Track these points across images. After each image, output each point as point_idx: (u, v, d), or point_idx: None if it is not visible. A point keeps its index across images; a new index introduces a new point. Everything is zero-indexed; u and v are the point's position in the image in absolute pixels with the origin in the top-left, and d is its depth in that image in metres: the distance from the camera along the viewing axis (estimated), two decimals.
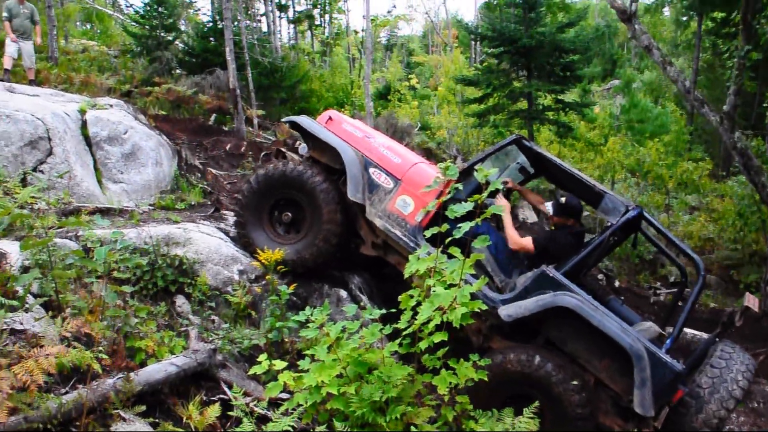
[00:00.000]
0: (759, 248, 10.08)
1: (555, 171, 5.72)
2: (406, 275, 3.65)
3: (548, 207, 5.42)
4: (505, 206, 5.42)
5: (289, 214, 6.04)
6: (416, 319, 3.42)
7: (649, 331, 4.93)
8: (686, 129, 18.33)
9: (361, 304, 5.95)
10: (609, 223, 5.07)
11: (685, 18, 26.41)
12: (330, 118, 6.18)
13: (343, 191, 5.82)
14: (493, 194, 5.73)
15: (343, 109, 18.86)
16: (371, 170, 5.68)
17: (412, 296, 3.63)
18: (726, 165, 16.20)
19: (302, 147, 6.52)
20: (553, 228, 5.55)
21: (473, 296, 4.80)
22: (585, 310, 4.58)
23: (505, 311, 4.78)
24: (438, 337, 3.41)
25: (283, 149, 6.90)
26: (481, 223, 5.57)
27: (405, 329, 3.55)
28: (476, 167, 5.17)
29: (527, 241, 5.26)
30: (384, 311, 3.82)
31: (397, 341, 3.63)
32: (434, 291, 3.44)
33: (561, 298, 4.66)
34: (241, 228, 6.17)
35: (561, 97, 14.55)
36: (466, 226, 3.46)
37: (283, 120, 6.46)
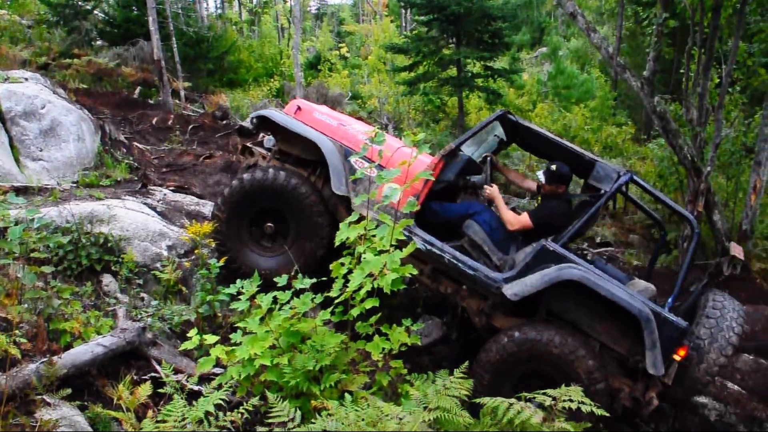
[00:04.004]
0: None
1: (542, 143, 5.64)
2: (337, 243, 3.65)
3: (539, 176, 5.37)
4: (495, 190, 5.38)
5: (272, 225, 5.66)
6: (348, 287, 3.44)
7: (647, 291, 5.00)
8: (610, 95, 18.86)
9: (292, 273, 5.89)
10: (603, 191, 5.06)
11: None
12: (299, 108, 5.79)
13: (318, 184, 5.60)
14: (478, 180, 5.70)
15: (272, 80, 18.52)
16: (353, 160, 5.35)
17: (343, 264, 3.64)
18: (647, 129, 16.80)
19: (268, 140, 6.17)
20: (540, 198, 5.52)
21: (469, 277, 4.96)
22: (591, 281, 4.61)
23: (511, 290, 4.74)
24: (369, 304, 3.43)
25: (249, 144, 6.33)
26: (470, 202, 5.58)
27: (337, 297, 3.56)
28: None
29: (524, 218, 5.21)
30: (315, 280, 3.82)
31: (330, 309, 3.64)
32: (365, 258, 3.46)
33: (567, 271, 4.66)
34: (223, 249, 5.62)
35: (490, 64, 14.69)
36: (393, 193, 3.46)
37: (251, 116, 5.95)
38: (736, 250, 5.29)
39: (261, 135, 6.46)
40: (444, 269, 5.17)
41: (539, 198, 5.57)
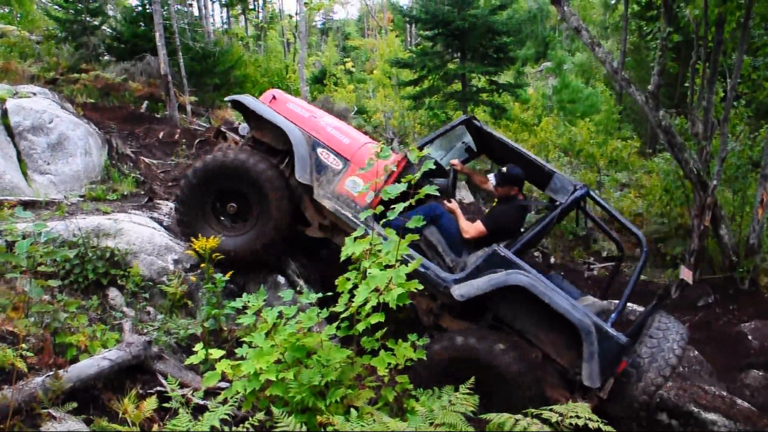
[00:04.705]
0: (684, 222, 10.55)
1: (504, 151, 5.76)
2: (343, 258, 3.66)
3: (491, 178, 5.47)
4: (454, 205, 5.50)
5: (234, 205, 5.79)
6: (353, 302, 3.43)
7: (594, 306, 5.07)
8: (615, 108, 18.88)
9: (298, 288, 5.91)
10: (558, 202, 5.15)
11: (612, 1, 27.19)
12: (274, 97, 5.98)
13: (286, 173, 5.70)
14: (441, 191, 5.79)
15: None
16: (319, 150, 5.55)
17: (348, 279, 3.64)
18: (653, 143, 16.82)
19: (243, 127, 6.33)
20: (496, 201, 5.60)
21: (420, 274, 4.95)
22: (536, 287, 4.67)
23: (458, 291, 4.82)
24: (375, 319, 3.42)
25: (223, 129, 6.61)
26: (434, 204, 5.66)
27: (342, 312, 3.55)
28: (421, 147, 5.28)
29: (478, 226, 5.32)
30: (321, 295, 3.82)
31: (335, 324, 3.63)
32: (370, 273, 3.46)
33: (513, 276, 4.73)
34: (185, 227, 5.81)
35: (495, 78, 14.74)
36: (399, 207, 3.47)
37: (226, 99, 6.19)
38: (686, 274, 5.35)
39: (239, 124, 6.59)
40: None
41: (495, 201, 5.64)
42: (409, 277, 5.15)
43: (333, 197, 5.43)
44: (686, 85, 10.13)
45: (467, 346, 4.68)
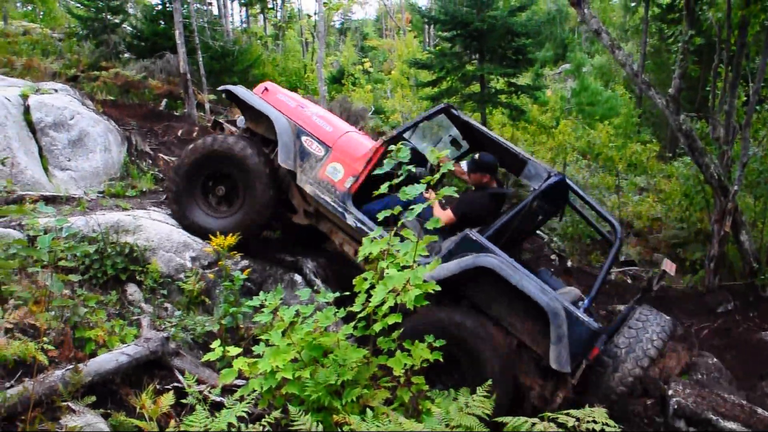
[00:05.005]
0: (703, 227, 10.44)
1: (481, 139, 5.88)
2: (360, 258, 3.66)
3: (463, 166, 5.51)
4: (431, 195, 5.49)
5: (223, 188, 6.05)
6: (370, 302, 3.43)
7: (570, 294, 5.05)
8: (635, 112, 18.72)
9: (315, 287, 5.94)
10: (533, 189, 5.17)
11: (633, 3, 26.97)
12: (266, 89, 6.23)
13: (276, 162, 5.85)
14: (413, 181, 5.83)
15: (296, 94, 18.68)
16: (303, 138, 5.75)
17: (366, 279, 3.64)
18: (672, 147, 16.66)
19: (240, 119, 6.54)
20: (472, 188, 5.63)
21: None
22: (504, 270, 4.65)
23: (429, 273, 4.81)
24: (392, 319, 3.42)
25: (220, 120, 6.85)
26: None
27: (359, 312, 3.55)
28: (398, 137, 5.35)
29: (448, 213, 5.35)
30: (338, 294, 3.82)
31: (352, 324, 3.63)
32: (388, 273, 3.45)
33: (481, 258, 4.73)
34: (175, 205, 6.11)
35: (513, 80, 14.66)
36: (418, 208, 3.47)
37: (219, 89, 6.46)
38: (668, 266, 5.27)
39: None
40: None
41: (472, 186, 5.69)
42: None
43: (314, 183, 5.62)
44: (708, 88, 10.02)
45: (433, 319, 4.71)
